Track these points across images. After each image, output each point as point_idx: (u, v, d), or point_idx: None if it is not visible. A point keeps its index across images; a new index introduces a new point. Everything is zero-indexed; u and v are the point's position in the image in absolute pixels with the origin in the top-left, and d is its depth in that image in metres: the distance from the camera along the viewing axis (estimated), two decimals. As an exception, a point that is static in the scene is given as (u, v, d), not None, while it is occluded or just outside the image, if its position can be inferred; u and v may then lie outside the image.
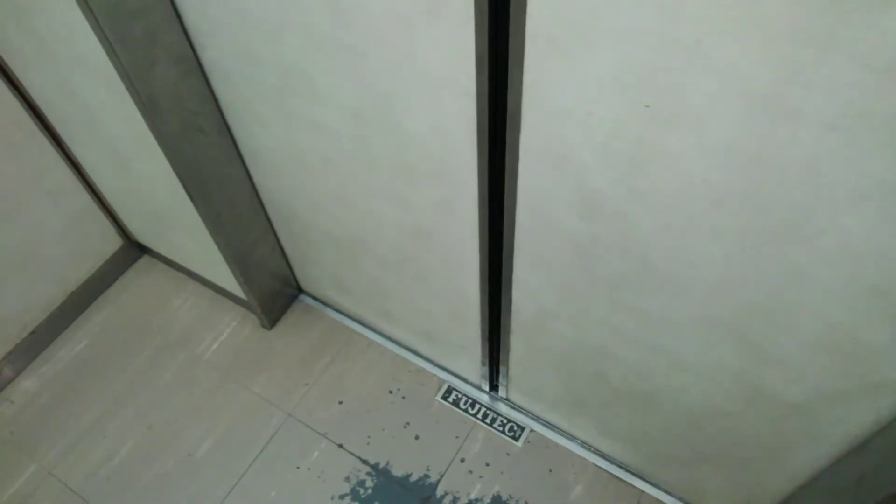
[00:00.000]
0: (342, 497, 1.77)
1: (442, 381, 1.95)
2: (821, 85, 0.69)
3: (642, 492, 1.73)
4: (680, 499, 1.71)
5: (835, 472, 1.21)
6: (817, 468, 1.25)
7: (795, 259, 0.90)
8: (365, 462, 1.82)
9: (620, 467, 1.76)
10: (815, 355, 1.03)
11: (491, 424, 1.86)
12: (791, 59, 0.68)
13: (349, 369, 2.00)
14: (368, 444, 1.85)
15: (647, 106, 0.83)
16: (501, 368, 1.73)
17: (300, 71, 1.19)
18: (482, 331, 1.61)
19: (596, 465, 1.77)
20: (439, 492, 1.76)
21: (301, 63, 1.17)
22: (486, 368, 1.79)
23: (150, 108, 1.34)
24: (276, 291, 2.06)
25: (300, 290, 2.18)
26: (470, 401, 1.91)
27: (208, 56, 1.33)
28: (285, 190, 1.63)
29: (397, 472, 1.80)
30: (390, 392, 1.94)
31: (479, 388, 1.92)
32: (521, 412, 1.87)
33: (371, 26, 1.00)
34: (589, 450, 1.79)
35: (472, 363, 1.82)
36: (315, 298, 2.16)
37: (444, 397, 1.92)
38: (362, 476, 1.80)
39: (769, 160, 0.80)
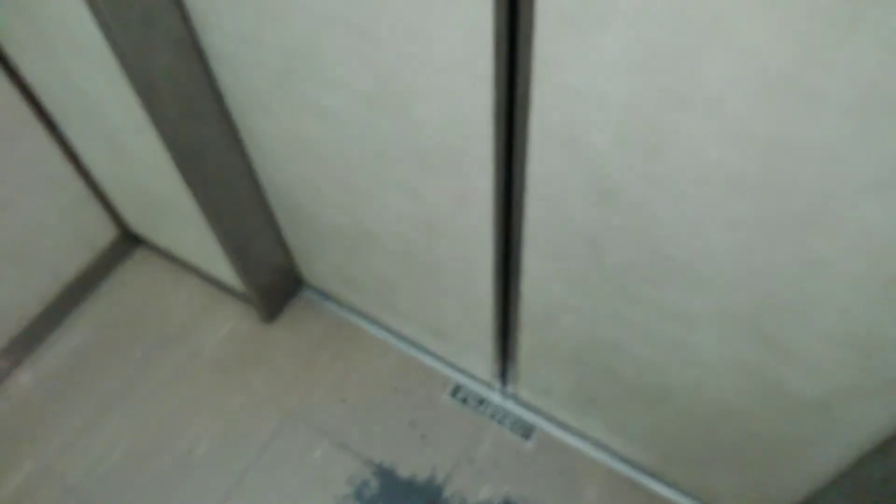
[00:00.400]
0: (345, 498, 1.73)
1: (449, 379, 1.91)
2: (843, 66, 0.67)
3: (656, 493, 1.70)
4: (695, 499, 1.68)
5: (857, 473, 1.19)
6: (838, 468, 1.23)
7: (815, 249, 0.88)
8: (369, 462, 1.79)
9: (633, 467, 1.73)
10: (834, 350, 1.00)
11: (500, 423, 1.82)
12: (812, 39, 0.66)
13: (352, 366, 1.96)
14: (372, 443, 1.81)
15: (663, 88, 0.81)
16: (511, 365, 1.71)
17: (307, 54, 1.15)
18: (494, 327, 1.58)
19: (608, 466, 1.74)
20: (446, 493, 1.72)
21: (308, 46, 1.13)
22: (497, 365, 1.75)
23: (147, 94, 1.30)
24: (276, 285, 2.03)
25: (302, 284, 2.14)
26: (478, 399, 1.87)
27: (209, 39, 1.29)
28: (289, 179, 1.59)
29: (403, 472, 1.77)
30: (395, 390, 1.91)
31: (488, 386, 1.88)
32: (532, 411, 1.83)
33: (383, 6, 0.96)
34: (601, 449, 1.76)
35: (480, 360, 1.78)
36: (318, 292, 2.12)
37: (452, 395, 1.88)
38: (366, 476, 1.76)
39: (788, 145, 0.78)
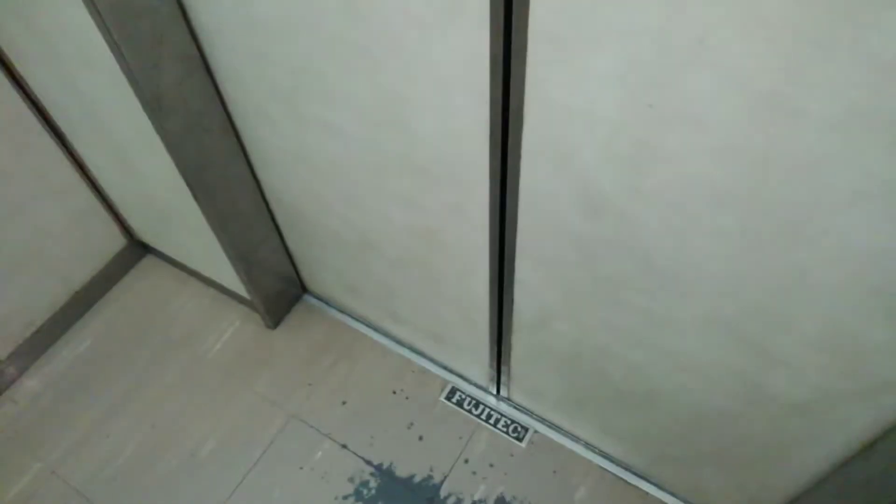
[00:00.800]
0: (346, 498, 1.77)
1: (446, 382, 1.95)
2: (824, 84, 0.69)
3: (646, 493, 1.73)
4: (684, 500, 1.71)
5: (841, 475, 1.21)
6: (822, 470, 1.26)
7: (798, 259, 0.90)
8: (369, 463, 1.82)
9: (624, 468, 1.77)
10: (816, 355, 1.03)
11: (495, 425, 1.86)
12: (794, 58, 0.69)
13: (353, 370, 2.00)
14: (372, 444, 1.85)
15: (650, 106, 0.83)
16: (504, 368, 1.74)
17: (312, 71, 1.19)
18: (489, 332, 1.61)
19: (600, 466, 1.78)
20: (443, 493, 1.76)
21: (313, 64, 1.17)
22: (492, 369, 1.79)
23: (154, 107, 1.34)
24: (280, 291, 2.06)
25: (304, 290, 2.18)
26: (474, 401, 1.91)
27: (216, 55, 1.33)
28: (293, 190, 1.63)
29: (401, 472, 1.80)
30: (394, 393, 1.94)
31: (483, 389, 1.92)
32: (525, 413, 1.87)
33: (386, 27, 1.00)
34: (593, 451, 1.79)
35: (476, 364, 1.82)
36: (319, 298, 2.16)
37: (448, 398, 1.92)
38: (366, 477, 1.80)
39: (771, 160, 0.80)
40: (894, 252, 0.81)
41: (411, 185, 1.30)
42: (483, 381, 1.89)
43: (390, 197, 1.38)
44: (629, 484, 1.75)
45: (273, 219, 1.84)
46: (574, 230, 1.13)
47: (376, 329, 2.06)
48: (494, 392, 1.90)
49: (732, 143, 0.81)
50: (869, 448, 1.11)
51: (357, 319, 2.09)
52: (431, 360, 1.99)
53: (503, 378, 1.79)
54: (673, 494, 1.72)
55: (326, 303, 2.15)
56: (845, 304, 0.92)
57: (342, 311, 2.12)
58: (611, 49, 0.80)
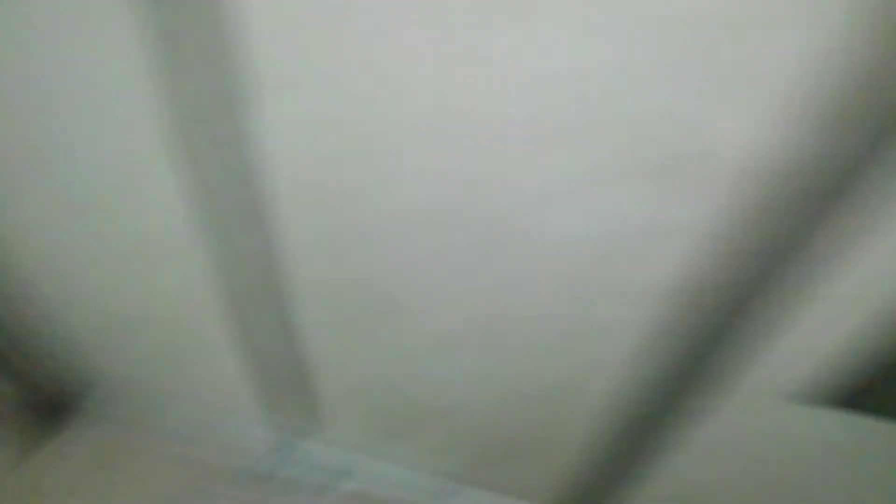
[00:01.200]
0: None
1: (244, 452, 1.84)
2: (499, 99, 0.76)
3: (474, 501, 1.76)
4: (510, 494, 1.75)
5: (608, 444, 1.33)
6: (597, 441, 1.35)
7: (509, 261, 0.97)
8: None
9: (447, 481, 1.77)
10: (548, 341, 1.11)
11: (309, 478, 1.79)
12: (474, 77, 0.75)
13: (132, 477, 1.79)
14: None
15: (344, 145, 0.86)
16: (309, 416, 1.69)
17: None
18: (279, 385, 1.57)
19: (423, 486, 1.77)
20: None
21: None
22: (290, 423, 1.72)
23: None
24: (29, 408, 1.81)
25: (62, 402, 1.92)
26: (283, 461, 1.82)
27: None
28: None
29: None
30: (187, 485, 1.78)
31: (291, 444, 1.83)
32: (340, 454, 1.81)
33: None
34: (416, 470, 1.78)
35: (273, 423, 1.75)
36: (81, 406, 1.93)
37: (253, 468, 1.81)
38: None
39: (471, 176, 0.86)
40: (587, 242, 0.90)
41: (144, 255, 1.23)
42: (286, 439, 1.81)
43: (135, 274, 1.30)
44: (456, 496, 1.76)
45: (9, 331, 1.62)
46: (333, 272, 1.13)
47: (153, 422, 1.89)
48: (305, 444, 1.82)
49: (436, 167, 0.86)
50: (618, 410, 1.22)
51: (128, 418, 1.90)
52: (224, 433, 1.86)
53: (311, 428, 1.74)
54: (498, 494, 1.75)
55: (91, 409, 1.93)
56: (557, 292, 1.01)
57: (111, 415, 1.91)
58: (310, 92, 0.82)
